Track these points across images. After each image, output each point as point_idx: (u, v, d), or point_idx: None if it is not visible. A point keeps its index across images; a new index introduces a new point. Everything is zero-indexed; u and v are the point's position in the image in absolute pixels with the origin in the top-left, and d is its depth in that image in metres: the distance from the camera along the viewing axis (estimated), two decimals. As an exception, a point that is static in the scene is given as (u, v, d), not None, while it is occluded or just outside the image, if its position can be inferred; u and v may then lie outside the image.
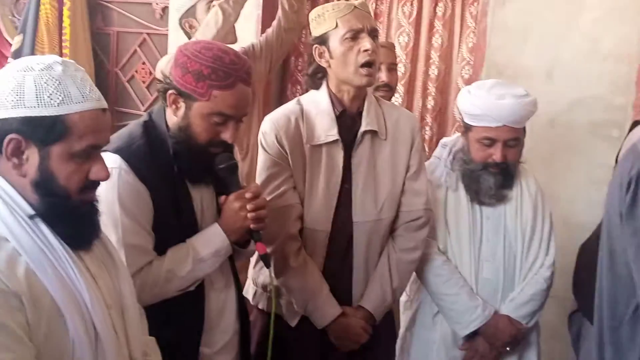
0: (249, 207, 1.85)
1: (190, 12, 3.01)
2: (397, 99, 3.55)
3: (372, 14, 3.61)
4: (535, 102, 2.34)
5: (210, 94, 1.76)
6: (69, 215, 1.36)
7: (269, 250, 2.08)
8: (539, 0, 3.10)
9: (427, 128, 3.61)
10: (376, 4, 3.68)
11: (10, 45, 4.40)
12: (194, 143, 1.82)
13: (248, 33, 3.38)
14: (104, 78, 4.58)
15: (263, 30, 3.46)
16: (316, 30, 2.19)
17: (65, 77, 1.30)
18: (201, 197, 1.94)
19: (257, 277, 2.40)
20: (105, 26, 4.57)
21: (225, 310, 2.02)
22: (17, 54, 4.13)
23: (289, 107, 2.28)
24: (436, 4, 3.55)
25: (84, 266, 1.40)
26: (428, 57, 3.60)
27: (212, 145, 1.84)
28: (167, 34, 4.20)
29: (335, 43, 2.14)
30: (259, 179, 2.23)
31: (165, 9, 4.26)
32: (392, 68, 2.93)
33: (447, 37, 3.55)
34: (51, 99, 1.28)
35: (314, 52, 2.21)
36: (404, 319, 2.63)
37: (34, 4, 4.35)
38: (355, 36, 2.11)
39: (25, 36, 4.31)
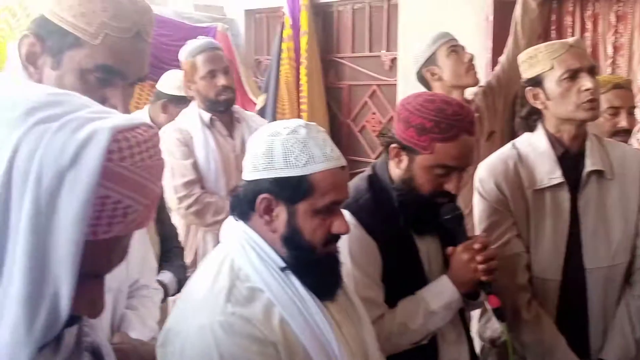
0: (478, 258, 1.80)
1: (431, 60, 3.01)
2: None
3: (611, 48, 3.49)
4: None
5: (433, 147, 1.76)
6: (314, 267, 1.43)
7: None
8: None
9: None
10: (615, 37, 3.50)
11: (255, 104, 4.79)
12: (418, 195, 1.83)
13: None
14: (337, 129, 4.84)
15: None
16: (528, 72, 2.14)
17: (309, 139, 1.39)
18: (427, 248, 1.93)
19: (483, 331, 2.34)
20: (337, 81, 4.85)
21: None
22: (261, 112, 4.49)
23: (505, 151, 2.22)
24: None
25: (330, 315, 1.45)
26: None
27: (436, 196, 1.83)
28: (395, 84, 4.32)
29: (551, 84, 2.07)
30: (478, 228, 2.19)
31: (394, 60, 4.40)
32: (631, 112, 2.73)
33: None
34: (297, 161, 1.37)
35: (527, 95, 2.15)
36: None
37: (274, 65, 4.76)
38: (573, 76, 2.03)
39: (268, 95, 4.68)
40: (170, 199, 2.92)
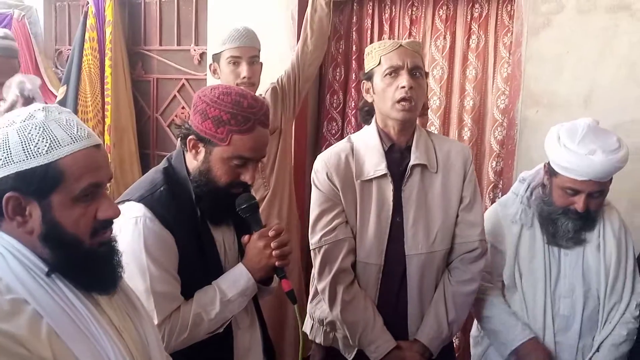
0: (272, 244, 1.85)
1: (217, 57, 2.99)
2: (433, 131, 3.50)
3: None
4: (626, 156, 2.22)
5: (230, 139, 1.77)
6: (85, 261, 1.29)
7: (319, 286, 2.22)
8: (574, 27, 3.03)
9: (465, 159, 3.54)
10: (409, 39, 3.61)
11: (55, 96, 4.52)
12: (215, 186, 1.83)
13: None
14: (144, 124, 4.70)
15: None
16: (367, 67, 2.23)
17: (49, 122, 1.25)
18: (223, 238, 1.95)
19: (313, 311, 2.40)
20: (145, 74, 4.69)
21: (252, 348, 2.02)
22: (62, 104, 4.21)
23: (340, 145, 2.30)
24: (469, 37, 3.51)
25: (108, 320, 1.35)
26: (463, 89, 3.54)
27: (232, 187, 1.84)
28: (205, 78, 4.28)
29: (377, 79, 2.16)
30: (312, 215, 2.25)
31: (202, 55, 4.36)
32: (423, 113, 2.92)
33: (481, 69, 3.50)
34: (38, 148, 1.22)
35: (362, 87, 2.25)
36: (474, 352, 2.60)
37: (77, 55, 4.49)
38: (394, 73, 2.13)
39: (69, 87, 4.43)
40: None
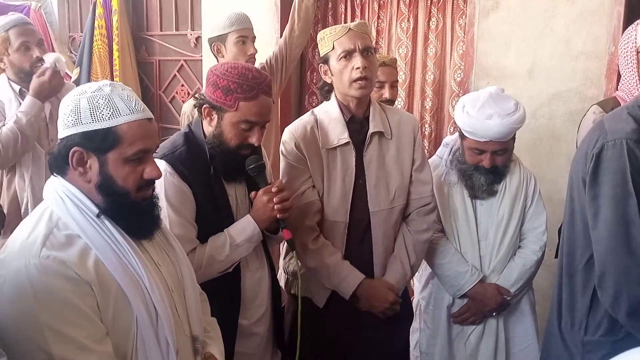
0: (275, 199, 1.96)
1: (221, 38, 2.99)
2: (399, 102, 3.61)
3: (374, 31, 3.68)
4: (522, 117, 2.31)
5: (237, 105, 1.88)
6: (129, 210, 1.43)
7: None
8: (518, 9, 3.14)
9: (427, 126, 3.67)
10: (377, 22, 3.75)
11: (70, 77, 4.60)
12: (226, 147, 1.94)
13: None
14: (149, 100, 4.78)
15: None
16: (321, 51, 2.25)
17: (113, 95, 1.38)
18: (235, 193, 2.05)
19: (287, 266, 2.51)
20: (148, 56, 4.79)
21: (260, 287, 2.12)
22: (76, 84, 4.34)
23: (305, 118, 2.32)
24: (429, 19, 3.61)
25: (149, 256, 1.48)
26: (425, 65, 3.65)
27: (242, 149, 1.95)
28: (201, 59, 4.36)
29: (333, 62, 2.19)
30: (282, 181, 2.27)
31: (198, 38, 4.44)
32: (394, 85, 2.94)
33: (440, 47, 3.60)
34: (102, 114, 1.36)
35: (320, 70, 2.28)
36: (419, 285, 2.73)
37: (87, 41, 4.62)
38: (348, 56, 2.15)
39: (82, 69, 4.56)
40: None
